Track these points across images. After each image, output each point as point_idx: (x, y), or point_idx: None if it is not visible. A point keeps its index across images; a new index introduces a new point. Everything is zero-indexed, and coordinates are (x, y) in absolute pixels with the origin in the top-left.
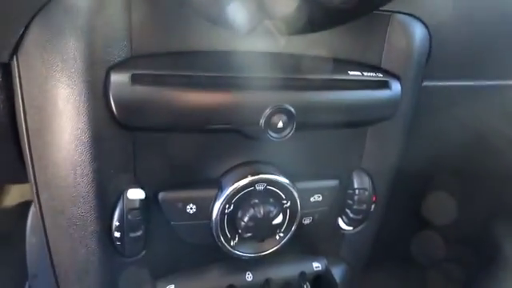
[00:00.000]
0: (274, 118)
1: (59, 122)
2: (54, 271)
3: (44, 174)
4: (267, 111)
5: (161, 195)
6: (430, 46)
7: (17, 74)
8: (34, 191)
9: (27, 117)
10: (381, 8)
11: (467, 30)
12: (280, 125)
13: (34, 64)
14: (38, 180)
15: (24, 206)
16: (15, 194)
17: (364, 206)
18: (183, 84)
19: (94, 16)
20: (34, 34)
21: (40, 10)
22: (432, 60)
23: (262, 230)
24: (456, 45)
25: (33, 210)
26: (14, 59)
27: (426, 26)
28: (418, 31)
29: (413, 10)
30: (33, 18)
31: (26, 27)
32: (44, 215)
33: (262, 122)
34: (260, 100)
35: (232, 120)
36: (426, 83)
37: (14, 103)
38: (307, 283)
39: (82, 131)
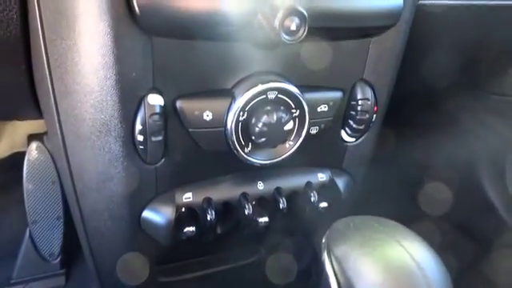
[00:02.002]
0: (287, 21)
1: (80, 27)
2: (73, 181)
3: (64, 84)
4: (280, 13)
5: (178, 102)
6: None
7: None
8: (53, 103)
9: (44, 25)
10: None
11: None
12: (293, 27)
13: None
14: (56, 91)
15: (15, 157)
16: (4, 147)
17: (366, 116)
18: None
19: None
20: None
21: None
22: None
23: (275, 135)
24: None
25: (27, 158)
26: None
27: None
28: None
29: None
30: None
31: None
32: (63, 126)
33: (276, 23)
34: (274, 2)
35: (247, 21)
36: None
37: (28, 15)
38: (314, 192)
39: (105, 34)
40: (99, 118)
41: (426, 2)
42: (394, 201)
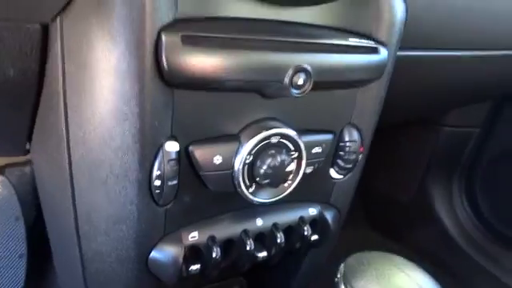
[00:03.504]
0: (295, 77)
1: (105, 82)
2: (77, 224)
3: (82, 130)
4: (290, 71)
5: (191, 147)
6: (406, 19)
7: (59, 36)
8: (65, 147)
9: (66, 77)
10: None
11: (437, 6)
12: (300, 82)
13: (80, 26)
14: (71, 136)
15: None
16: None
17: (353, 156)
18: (225, 45)
19: None
20: None
21: None
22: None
23: (277, 176)
24: (426, 18)
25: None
26: (57, 21)
27: (405, 2)
28: (400, 6)
29: None
30: None
31: None
32: (74, 170)
33: (286, 80)
34: (284, 60)
35: (262, 77)
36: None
37: (46, 64)
38: (307, 226)
39: (130, 88)
40: (118, 163)
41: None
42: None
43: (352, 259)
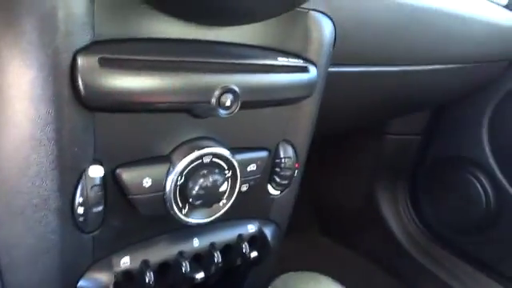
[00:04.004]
0: (223, 98)
1: (19, 105)
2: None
3: None
4: (217, 92)
5: (118, 171)
6: (335, 39)
7: None
8: None
9: None
10: (300, 6)
11: (365, 26)
12: (228, 103)
13: None
14: None
15: None
16: None
17: (289, 172)
18: (147, 67)
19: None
20: None
21: None
22: (335, 49)
23: (211, 196)
24: (355, 37)
25: None
26: None
27: (333, 22)
28: (328, 26)
29: (323, 9)
30: None
31: None
32: None
33: (213, 100)
34: (211, 81)
35: (188, 99)
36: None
37: None
38: (245, 243)
39: (46, 113)
40: (37, 192)
41: (332, 70)
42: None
43: (279, 281)
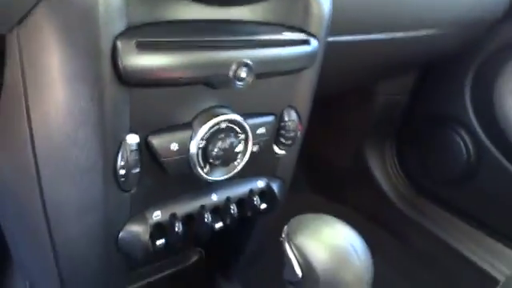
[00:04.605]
0: (238, 71)
1: (67, 84)
2: (46, 216)
3: (45, 130)
4: (234, 66)
5: (150, 138)
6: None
7: (17, 44)
8: (30, 147)
9: (26, 81)
10: None
11: None
12: (243, 75)
13: (38, 36)
14: (35, 135)
15: None
16: None
17: (293, 134)
18: (176, 47)
19: None
20: (41, 9)
21: None
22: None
23: (228, 156)
24: (349, 8)
25: None
26: (14, 32)
27: None
28: (326, 0)
29: None
30: None
31: (35, 4)
32: (41, 168)
33: (230, 74)
34: (228, 57)
35: (209, 73)
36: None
37: (5, 69)
38: (256, 197)
39: (91, 90)
40: (84, 158)
41: (330, 39)
42: (303, 192)
43: (293, 221)
